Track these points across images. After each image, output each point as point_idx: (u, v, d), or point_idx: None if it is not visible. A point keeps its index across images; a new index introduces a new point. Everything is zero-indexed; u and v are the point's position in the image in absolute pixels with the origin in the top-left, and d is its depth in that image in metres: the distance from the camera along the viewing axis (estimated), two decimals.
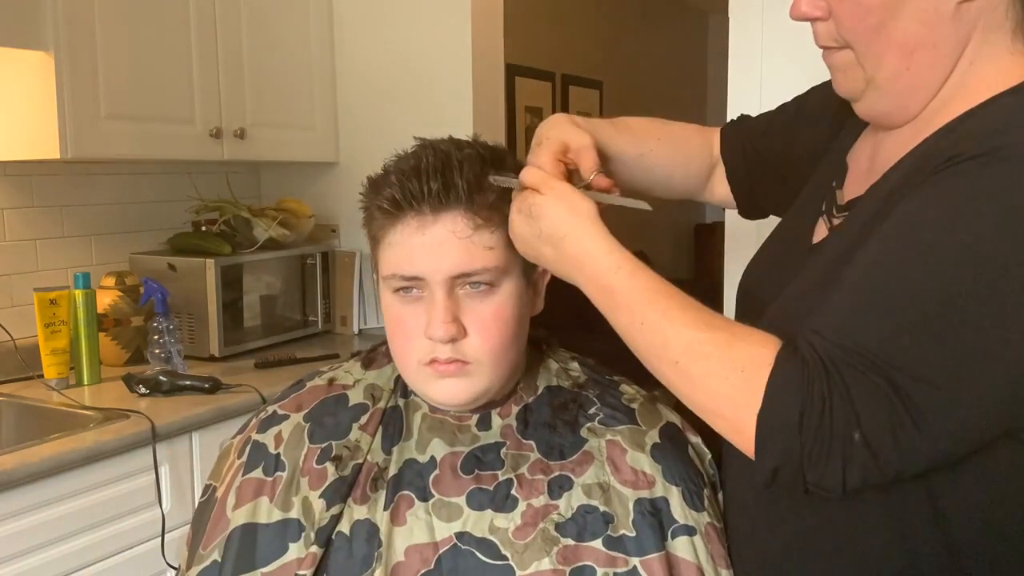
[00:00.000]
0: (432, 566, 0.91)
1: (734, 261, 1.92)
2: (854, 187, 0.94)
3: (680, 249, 5.85)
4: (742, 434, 0.75)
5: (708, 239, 5.69)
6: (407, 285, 0.93)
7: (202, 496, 1.04)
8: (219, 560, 0.96)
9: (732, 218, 1.91)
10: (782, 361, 0.74)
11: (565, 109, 4.53)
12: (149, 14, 2.17)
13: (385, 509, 0.94)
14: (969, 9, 0.80)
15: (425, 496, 0.94)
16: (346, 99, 2.76)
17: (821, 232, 0.96)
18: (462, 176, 0.91)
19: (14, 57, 1.99)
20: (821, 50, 0.91)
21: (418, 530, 0.93)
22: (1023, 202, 0.71)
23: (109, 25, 2.07)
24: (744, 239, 1.89)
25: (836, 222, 0.94)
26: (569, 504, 0.94)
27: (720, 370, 0.76)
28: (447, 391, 0.95)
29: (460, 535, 0.92)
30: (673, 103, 5.58)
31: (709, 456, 1.05)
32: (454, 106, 2.58)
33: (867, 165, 0.94)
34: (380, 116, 2.69)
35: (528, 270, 0.97)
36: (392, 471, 0.97)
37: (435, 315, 0.91)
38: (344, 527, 0.94)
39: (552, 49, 4.34)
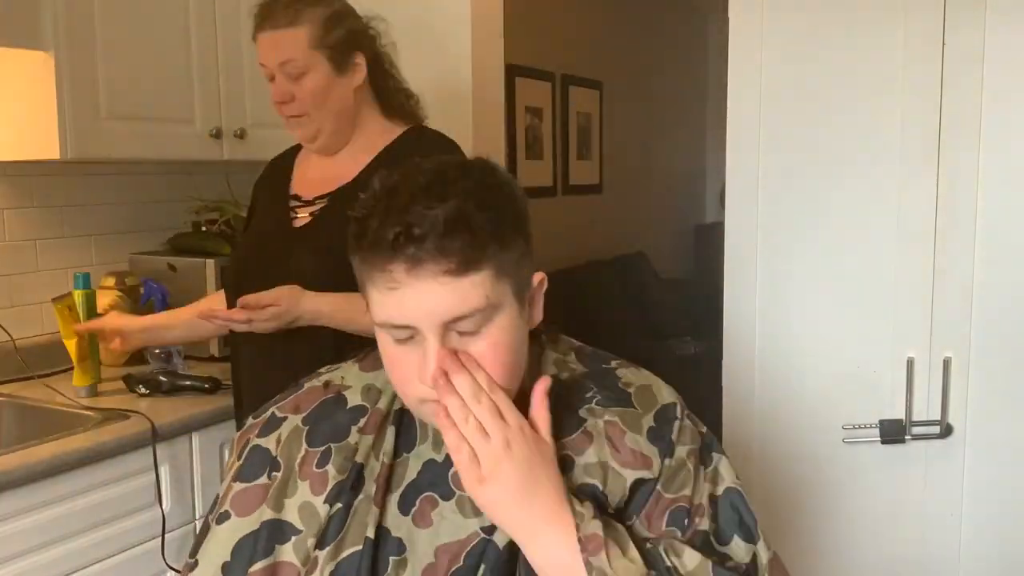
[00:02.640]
0: (462, 562, 0.92)
1: (734, 261, 1.92)
2: (311, 190, 1.72)
3: (680, 249, 5.85)
4: None
5: (708, 239, 5.68)
6: (400, 335, 0.90)
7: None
8: (202, 562, 0.97)
9: (732, 218, 1.91)
10: None
11: (565, 109, 4.52)
12: (149, 14, 2.17)
13: (406, 514, 0.94)
14: (359, 93, 1.69)
15: (448, 494, 0.95)
16: None
17: (303, 220, 1.70)
18: (449, 219, 0.86)
19: (14, 57, 1.99)
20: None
21: (445, 529, 0.93)
22: None
23: (109, 25, 2.07)
24: (744, 239, 1.90)
25: (313, 209, 1.70)
26: (571, 483, 0.94)
27: None
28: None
29: (485, 528, 0.93)
30: (673, 103, 5.58)
31: (707, 430, 1.05)
32: (454, 107, 2.58)
33: (319, 175, 1.73)
34: None
35: (522, 291, 0.94)
36: (411, 475, 0.97)
37: (430, 363, 0.89)
38: (369, 532, 0.93)
39: (552, 49, 4.34)
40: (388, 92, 1.75)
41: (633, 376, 1.05)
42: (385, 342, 0.93)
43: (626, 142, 5.10)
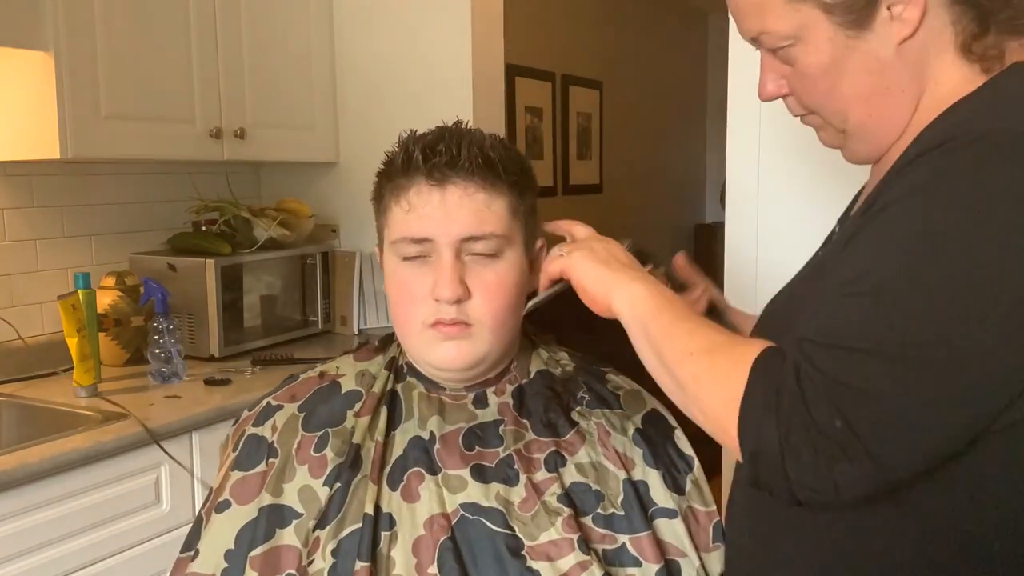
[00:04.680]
0: (449, 533, 0.93)
1: (734, 261, 1.92)
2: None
3: (680, 249, 5.85)
4: (724, 421, 0.78)
5: (708, 239, 5.68)
6: (415, 251, 0.96)
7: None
8: (204, 550, 0.98)
9: (732, 218, 1.91)
10: (766, 354, 0.79)
11: (565, 109, 4.52)
12: (149, 14, 2.17)
13: (395, 489, 0.96)
14: (910, 46, 0.85)
15: (433, 469, 0.97)
16: (346, 99, 2.76)
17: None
18: (475, 144, 0.96)
19: (14, 57, 1.99)
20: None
21: (432, 501, 0.95)
22: (984, 181, 0.75)
23: (109, 25, 2.07)
24: (744, 239, 1.90)
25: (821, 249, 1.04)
26: (564, 481, 0.97)
27: (717, 367, 0.81)
28: (447, 354, 0.97)
29: (466, 505, 0.94)
30: (673, 103, 5.58)
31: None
32: (454, 106, 2.58)
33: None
34: (380, 116, 2.69)
35: (529, 245, 1.01)
36: (398, 452, 0.98)
37: (443, 276, 0.94)
38: (368, 508, 0.95)
39: (552, 49, 4.34)
40: (996, 7, 0.86)
41: (622, 381, 1.10)
42: (395, 266, 0.99)
43: (626, 142, 5.10)
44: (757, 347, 0.80)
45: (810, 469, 0.73)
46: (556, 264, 0.95)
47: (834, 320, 0.77)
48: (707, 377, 0.81)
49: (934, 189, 0.77)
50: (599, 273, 0.92)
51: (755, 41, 0.93)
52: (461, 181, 0.95)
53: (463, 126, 1.01)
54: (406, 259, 0.97)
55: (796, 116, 0.98)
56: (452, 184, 0.95)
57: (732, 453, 0.80)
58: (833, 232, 1.05)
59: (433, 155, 0.95)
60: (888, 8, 0.83)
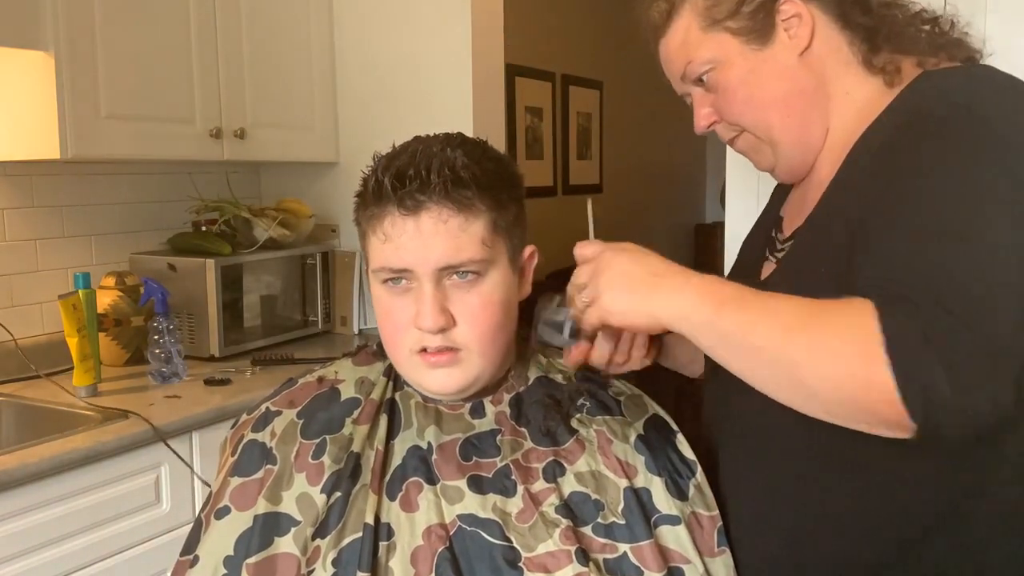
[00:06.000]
0: (447, 544, 0.93)
1: (734, 261, 1.91)
2: (792, 226, 1.08)
3: (680, 249, 5.85)
4: (867, 373, 0.73)
5: (708, 239, 5.69)
6: (396, 277, 0.95)
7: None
8: (203, 556, 0.97)
9: (732, 218, 1.91)
10: (883, 299, 0.76)
11: (565, 109, 4.52)
12: (149, 14, 2.17)
13: (393, 499, 0.96)
14: (809, 56, 0.98)
15: (432, 479, 0.96)
16: (346, 99, 2.76)
17: (768, 269, 1.09)
18: (447, 165, 0.93)
19: (14, 57, 1.99)
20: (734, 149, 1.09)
21: (430, 512, 0.95)
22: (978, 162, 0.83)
23: (109, 25, 2.07)
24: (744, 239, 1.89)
25: (779, 255, 1.08)
26: (562, 490, 0.96)
27: (830, 328, 0.76)
28: (439, 381, 0.97)
29: (464, 516, 0.94)
30: (673, 103, 5.58)
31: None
32: (454, 106, 2.58)
33: (798, 208, 1.07)
34: (380, 116, 2.69)
35: (515, 256, 0.99)
36: (397, 461, 0.98)
37: (423, 306, 0.93)
38: (368, 518, 0.94)
39: (552, 49, 4.34)
40: (879, 28, 0.99)
41: (623, 386, 1.09)
42: (380, 293, 0.98)
43: (626, 142, 5.10)
44: (862, 301, 0.76)
45: (979, 392, 0.72)
46: (593, 316, 0.90)
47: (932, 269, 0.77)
48: (824, 341, 0.76)
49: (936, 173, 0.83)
50: (635, 304, 0.86)
51: (683, 77, 1.05)
52: (435, 207, 0.92)
53: (435, 141, 0.97)
54: (388, 286, 0.96)
55: (729, 143, 1.07)
56: (425, 211, 0.92)
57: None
58: (775, 242, 1.11)
59: (402, 184, 0.91)
60: (785, 30, 0.97)
